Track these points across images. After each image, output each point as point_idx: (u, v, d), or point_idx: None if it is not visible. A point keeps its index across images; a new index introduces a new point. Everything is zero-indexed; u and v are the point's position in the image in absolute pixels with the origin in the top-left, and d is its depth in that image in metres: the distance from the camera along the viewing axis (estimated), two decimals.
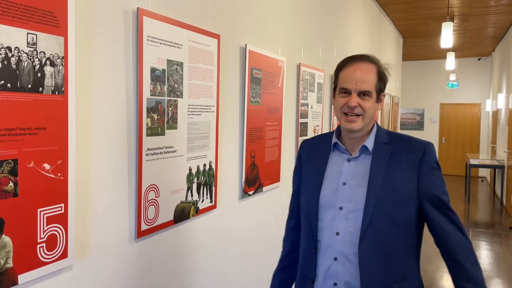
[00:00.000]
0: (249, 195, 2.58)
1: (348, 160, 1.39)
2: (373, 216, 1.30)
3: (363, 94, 1.32)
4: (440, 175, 1.36)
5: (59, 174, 1.32)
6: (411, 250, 1.36)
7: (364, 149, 1.38)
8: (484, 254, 5.05)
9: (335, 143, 1.43)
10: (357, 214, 1.32)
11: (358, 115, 1.33)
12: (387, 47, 7.28)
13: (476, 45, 9.59)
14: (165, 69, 1.78)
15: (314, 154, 1.48)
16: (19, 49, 1.18)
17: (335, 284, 1.35)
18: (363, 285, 1.31)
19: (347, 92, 1.33)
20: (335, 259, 1.35)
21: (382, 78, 1.36)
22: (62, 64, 1.31)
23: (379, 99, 1.38)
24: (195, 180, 2.04)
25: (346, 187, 1.36)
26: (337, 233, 1.35)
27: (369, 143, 1.38)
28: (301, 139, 3.40)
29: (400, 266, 1.33)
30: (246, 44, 2.44)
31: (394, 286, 1.31)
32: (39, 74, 1.24)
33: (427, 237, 1.39)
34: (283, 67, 2.92)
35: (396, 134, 1.43)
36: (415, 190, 1.32)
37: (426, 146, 1.35)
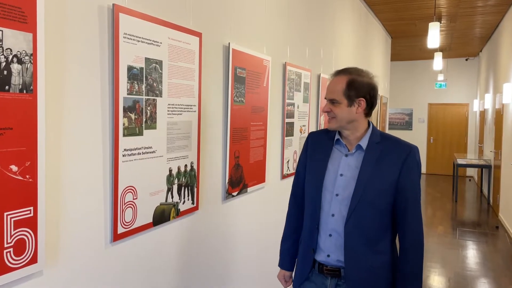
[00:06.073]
0: (233, 196, 2.54)
1: (346, 155, 1.69)
2: (358, 203, 1.59)
3: (331, 101, 1.65)
4: (417, 175, 1.65)
5: (27, 176, 1.27)
6: (387, 230, 1.66)
7: (359, 147, 1.67)
8: (471, 253, 5.07)
9: (337, 139, 1.72)
10: (349, 200, 1.62)
11: (332, 118, 1.67)
12: (375, 47, 7.29)
13: (464, 45, 9.66)
14: (143, 68, 1.73)
15: (320, 146, 1.76)
16: None
17: (328, 256, 1.67)
18: (346, 256, 1.63)
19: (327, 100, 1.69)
20: (330, 235, 1.66)
21: (352, 86, 1.61)
22: (30, 61, 1.25)
23: (353, 104, 1.62)
24: (176, 181, 1.99)
25: (342, 177, 1.66)
26: (333, 215, 1.65)
27: (364, 142, 1.67)
28: (287, 139, 3.37)
29: (377, 242, 1.63)
30: (229, 43, 2.40)
31: (372, 257, 1.62)
32: (5, 72, 1.19)
33: None
34: (268, 66, 2.89)
35: (387, 136, 1.72)
36: (395, 183, 1.60)
37: (411, 149, 1.64)
